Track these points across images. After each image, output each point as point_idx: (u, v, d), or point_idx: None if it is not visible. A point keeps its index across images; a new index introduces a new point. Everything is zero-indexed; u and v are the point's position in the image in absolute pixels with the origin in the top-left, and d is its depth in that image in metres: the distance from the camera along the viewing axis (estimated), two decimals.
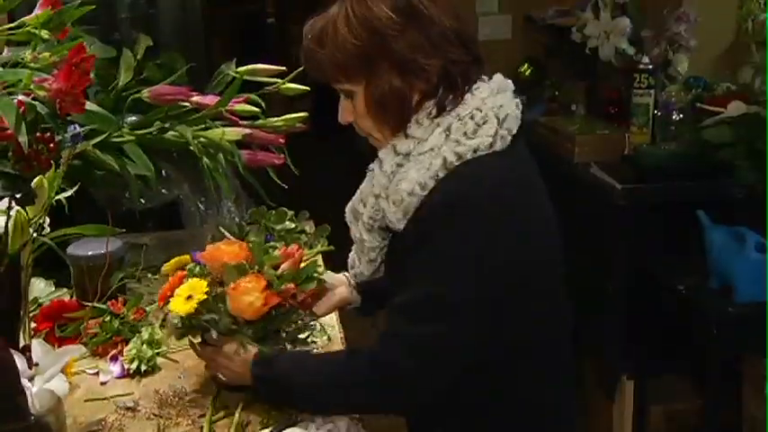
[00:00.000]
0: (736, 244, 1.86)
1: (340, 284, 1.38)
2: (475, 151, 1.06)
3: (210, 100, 1.56)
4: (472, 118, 1.07)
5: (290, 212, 1.83)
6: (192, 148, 1.44)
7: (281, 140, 1.66)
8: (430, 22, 1.07)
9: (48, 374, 0.96)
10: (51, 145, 0.85)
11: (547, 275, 1.17)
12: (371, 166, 1.16)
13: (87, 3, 1.06)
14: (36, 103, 0.83)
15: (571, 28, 2.73)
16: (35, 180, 1.02)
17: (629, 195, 2.10)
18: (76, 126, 1.00)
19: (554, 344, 1.20)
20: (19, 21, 0.91)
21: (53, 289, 1.54)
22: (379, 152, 1.15)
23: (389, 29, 1.06)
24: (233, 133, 1.48)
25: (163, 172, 1.76)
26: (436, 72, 1.07)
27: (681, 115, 2.29)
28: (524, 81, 3.29)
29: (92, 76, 1.69)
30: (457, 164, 1.06)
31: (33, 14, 0.92)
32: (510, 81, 1.16)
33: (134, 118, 1.66)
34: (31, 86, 0.82)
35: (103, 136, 1.54)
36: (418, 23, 1.06)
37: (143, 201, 1.77)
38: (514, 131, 1.10)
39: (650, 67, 2.37)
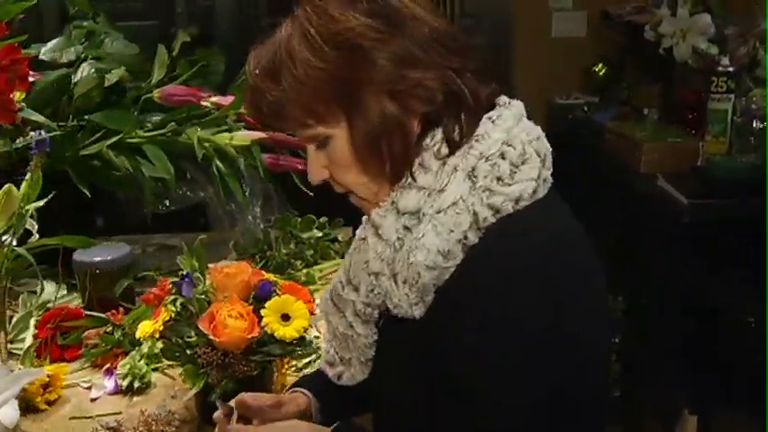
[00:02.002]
0: None
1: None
2: (516, 202, 0.79)
3: (229, 101, 1.48)
4: (504, 157, 0.80)
5: (319, 220, 1.74)
6: (197, 151, 1.35)
7: (307, 137, 1.57)
8: (417, 23, 0.81)
9: None
10: None
11: (599, 353, 0.90)
12: (360, 232, 0.90)
13: None
14: None
15: (645, 26, 2.52)
16: (3, 188, 0.95)
17: (696, 212, 1.91)
18: (42, 132, 0.93)
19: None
20: None
21: (65, 293, 1.50)
22: (371, 214, 0.85)
23: (367, 39, 0.79)
24: (242, 137, 1.40)
25: (188, 174, 1.71)
26: (438, 88, 0.81)
27: (763, 124, 2.06)
28: (598, 82, 3.10)
29: (121, 71, 1.69)
30: (493, 221, 0.79)
31: None
32: (521, 103, 0.88)
33: (158, 118, 1.61)
34: None
35: (118, 137, 1.49)
36: (403, 26, 0.80)
37: (167, 203, 1.72)
38: (551, 170, 0.85)
39: (730, 69, 2.15)
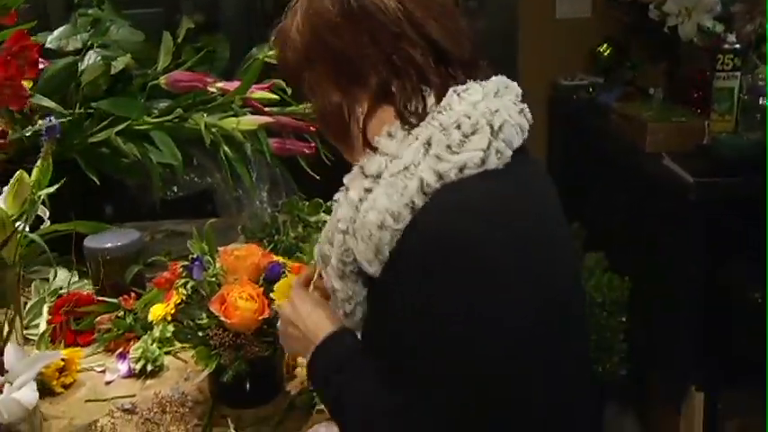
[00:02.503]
0: None
1: None
2: (461, 170, 0.83)
3: (234, 86, 1.49)
4: (459, 127, 0.84)
5: (326, 203, 1.75)
6: (204, 136, 1.36)
7: (311, 128, 1.58)
8: (371, 12, 0.88)
9: (18, 383, 0.91)
10: (2, 141, 0.79)
11: (550, 335, 0.88)
12: (336, 194, 0.94)
13: None
14: None
15: (650, 5, 2.50)
16: (15, 175, 0.96)
17: (703, 190, 1.90)
18: (52, 118, 0.94)
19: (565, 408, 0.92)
20: None
21: (76, 279, 1.51)
22: (345, 178, 0.91)
23: (324, 21, 0.90)
24: (249, 122, 1.40)
25: (195, 161, 1.72)
26: (376, 70, 0.88)
27: None
28: (603, 63, 3.09)
29: (126, 59, 1.69)
30: (437, 186, 0.83)
31: None
32: (516, 84, 0.92)
33: (166, 104, 1.62)
34: None
35: (126, 123, 1.50)
36: (356, 14, 0.89)
37: (175, 189, 1.73)
38: (516, 145, 0.87)
39: (736, 46, 2.13)
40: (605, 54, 3.10)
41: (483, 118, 0.84)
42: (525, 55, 3.07)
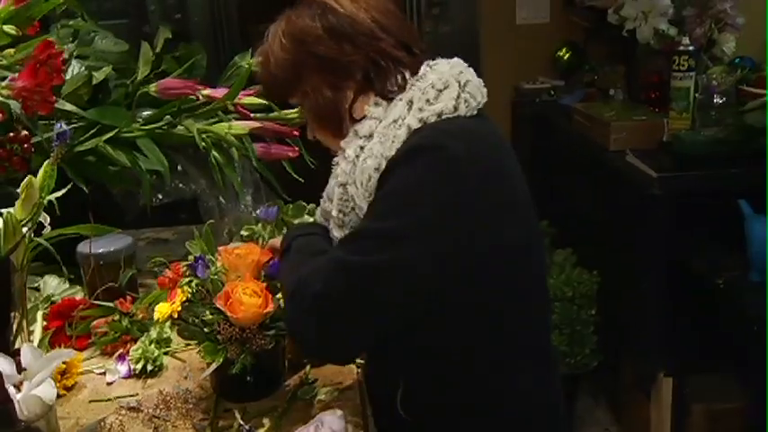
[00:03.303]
0: None
1: None
2: (439, 115, 1.03)
3: (221, 93, 1.53)
4: (433, 86, 1.05)
5: (309, 206, 1.80)
6: (198, 142, 1.40)
7: (294, 133, 1.62)
8: (346, 21, 1.08)
9: (36, 380, 0.94)
10: (26, 145, 0.82)
11: (514, 244, 1.04)
12: (335, 159, 1.12)
13: None
14: (10, 102, 0.80)
15: (609, 9, 2.61)
16: (24, 180, 0.99)
17: (665, 184, 2.00)
18: (62, 124, 0.97)
19: (523, 323, 1.08)
20: None
21: (67, 286, 1.53)
22: (341, 143, 1.10)
23: (310, 35, 1.08)
24: (239, 127, 1.45)
25: (179, 167, 1.74)
26: (360, 66, 1.08)
27: (723, 99, 2.17)
28: (563, 66, 3.20)
29: (108, 69, 1.72)
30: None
31: None
32: (460, 60, 1.12)
33: (150, 112, 1.64)
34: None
35: (114, 131, 1.52)
36: (335, 25, 1.08)
37: (160, 196, 1.76)
38: (479, 100, 1.07)
39: (691, 48, 2.24)
40: (565, 58, 3.21)
41: (452, 78, 1.06)
42: (487, 60, 3.15)
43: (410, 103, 1.05)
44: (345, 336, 1.00)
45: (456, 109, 1.04)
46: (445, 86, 1.05)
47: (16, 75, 0.79)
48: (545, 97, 3.09)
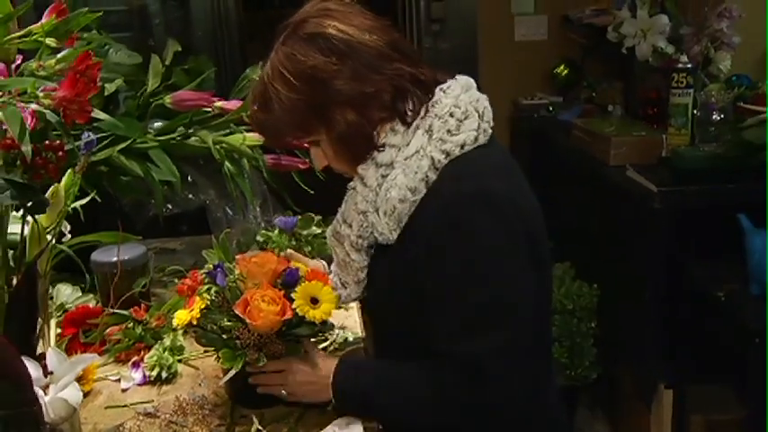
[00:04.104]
0: None
1: None
2: (462, 147, 1.06)
3: (234, 105, 1.56)
4: (452, 115, 1.07)
5: (317, 218, 1.82)
6: (213, 153, 1.43)
7: (305, 144, 1.65)
8: (360, 48, 1.06)
9: (62, 383, 0.96)
10: (60, 153, 0.85)
11: (545, 259, 1.13)
12: (352, 183, 1.14)
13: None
14: (46, 111, 0.82)
15: (608, 27, 2.66)
16: (51, 188, 1.01)
17: (666, 199, 2.04)
18: (90, 134, 0.99)
19: (546, 329, 1.22)
20: (26, 29, 0.91)
21: (80, 294, 1.55)
22: (358, 169, 1.11)
23: (326, 72, 1.05)
24: (252, 138, 1.47)
25: (189, 177, 1.77)
26: (386, 91, 1.08)
27: (721, 115, 2.21)
28: (560, 82, 3.25)
29: (120, 81, 1.75)
30: (445, 162, 1.05)
31: (39, 23, 0.92)
32: (471, 79, 1.15)
33: (160, 123, 1.67)
34: (38, 95, 0.81)
35: (128, 142, 1.55)
36: (350, 54, 1.06)
37: (170, 206, 1.78)
38: (492, 124, 1.11)
39: (689, 65, 2.29)
40: (563, 74, 3.26)
41: (470, 106, 1.08)
42: (486, 76, 3.18)
43: (429, 131, 1.06)
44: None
45: (476, 140, 1.07)
46: (465, 116, 1.07)
47: (52, 84, 0.82)
48: (543, 113, 3.14)
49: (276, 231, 1.50)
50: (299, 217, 1.67)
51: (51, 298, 1.53)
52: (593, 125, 2.56)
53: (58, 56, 0.87)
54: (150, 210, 1.76)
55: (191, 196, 1.79)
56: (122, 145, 1.54)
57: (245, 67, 1.86)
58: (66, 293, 1.53)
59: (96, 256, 1.45)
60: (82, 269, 1.43)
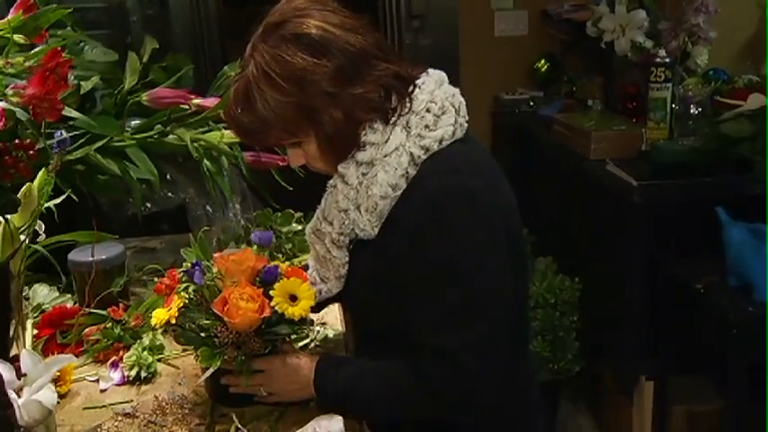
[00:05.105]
0: (756, 241, 1.80)
1: None
2: (440, 142, 1.07)
3: (212, 102, 1.55)
4: (429, 111, 1.08)
5: (297, 214, 1.81)
6: (191, 151, 1.41)
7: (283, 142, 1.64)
8: (346, 49, 1.06)
9: (36, 385, 0.95)
10: (31, 152, 0.83)
11: (523, 253, 1.18)
12: (332, 182, 1.14)
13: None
14: (16, 109, 0.81)
15: (587, 23, 2.67)
16: (23, 187, 1.00)
17: (645, 192, 2.05)
18: (63, 132, 0.98)
19: (523, 317, 1.24)
20: None
21: (57, 294, 1.53)
22: (338, 167, 1.12)
23: (315, 74, 1.04)
24: (231, 136, 1.46)
25: (167, 176, 1.75)
26: (374, 91, 1.07)
27: (699, 109, 2.23)
28: (541, 77, 3.25)
29: (96, 79, 1.73)
30: (425, 158, 1.06)
31: (6, 19, 0.91)
32: (443, 73, 1.15)
33: (138, 121, 1.65)
34: (6, 92, 0.80)
35: (105, 140, 1.53)
36: (337, 55, 1.05)
37: (149, 205, 1.77)
38: (467, 118, 1.12)
39: (667, 60, 2.31)
40: (543, 69, 3.27)
41: (447, 101, 1.09)
42: (467, 71, 3.18)
43: (407, 128, 1.07)
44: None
45: (454, 134, 1.08)
46: (442, 112, 1.08)
47: (22, 82, 0.80)
48: (524, 108, 3.14)
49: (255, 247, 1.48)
50: (274, 214, 1.67)
51: (27, 298, 1.51)
52: (573, 120, 2.57)
53: (29, 53, 0.85)
54: (129, 209, 1.75)
55: (170, 194, 1.77)
56: (99, 144, 1.53)
57: (224, 64, 1.85)
58: (42, 294, 1.51)
59: (73, 255, 1.43)
60: (61, 268, 1.41)
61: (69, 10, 1.07)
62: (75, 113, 0.94)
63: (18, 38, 0.88)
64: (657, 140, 2.23)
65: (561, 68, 3.22)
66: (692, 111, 2.25)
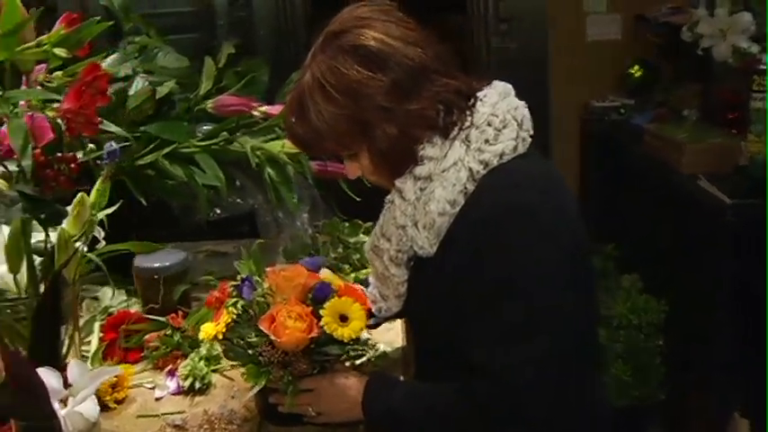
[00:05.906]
0: None
1: None
2: (500, 156, 1.02)
3: (277, 110, 1.53)
4: (490, 124, 1.03)
5: (366, 225, 1.78)
6: (251, 159, 1.40)
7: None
8: (404, 63, 1.02)
9: (80, 397, 0.95)
10: (73, 165, 0.83)
11: (590, 268, 1.12)
12: (389, 197, 1.10)
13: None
14: (61, 122, 0.81)
15: (683, 27, 2.52)
16: (77, 197, 1.00)
17: (739, 211, 1.90)
18: (113, 143, 0.98)
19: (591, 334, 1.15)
20: (37, 39, 0.90)
21: (124, 297, 1.55)
22: (395, 182, 1.07)
23: (370, 87, 1.01)
24: (293, 145, 1.43)
25: (236, 182, 1.75)
26: (431, 108, 1.03)
27: None
28: (633, 84, 3.10)
29: (172, 83, 1.75)
30: (484, 173, 1.02)
31: (48, 34, 0.91)
32: (509, 85, 1.10)
33: (209, 127, 1.66)
34: (44, 106, 0.80)
35: (172, 146, 1.54)
36: (394, 69, 1.01)
37: (218, 210, 1.78)
38: (531, 132, 1.07)
39: None
40: (636, 75, 3.11)
41: (509, 114, 1.04)
42: (556, 78, 3.09)
43: (467, 142, 1.03)
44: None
45: (515, 149, 1.03)
46: (504, 125, 1.03)
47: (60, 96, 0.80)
48: (615, 116, 3.00)
49: None
50: (342, 224, 1.63)
51: (98, 299, 1.54)
52: (665, 130, 2.43)
53: (68, 69, 0.85)
54: (196, 213, 1.76)
55: (238, 200, 1.78)
56: (167, 149, 1.54)
57: None
58: (110, 296, 1.54)
59: (138, 261, 1.45)
60: (123, 274, 1.43)
61: (110, 23, 1.06)
62: (114, 128, 0.92)
63: (59, 51, 0.88)
64: (757, 154, 2.07)
65: (656, 75, 3.06)
66: None
